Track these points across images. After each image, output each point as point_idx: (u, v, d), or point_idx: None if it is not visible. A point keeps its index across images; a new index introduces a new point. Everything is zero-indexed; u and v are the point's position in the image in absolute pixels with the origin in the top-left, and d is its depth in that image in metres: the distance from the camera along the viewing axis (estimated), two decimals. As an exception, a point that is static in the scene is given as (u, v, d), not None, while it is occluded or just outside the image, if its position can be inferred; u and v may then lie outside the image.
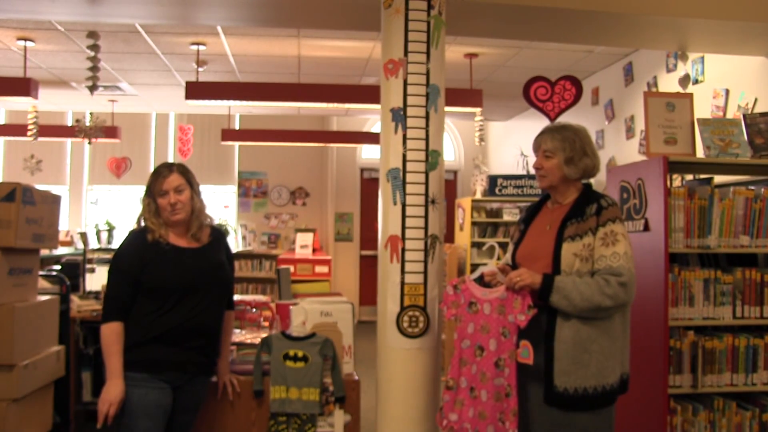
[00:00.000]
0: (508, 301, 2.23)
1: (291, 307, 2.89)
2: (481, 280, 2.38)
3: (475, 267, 5.97)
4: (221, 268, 2.52)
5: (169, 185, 2.40)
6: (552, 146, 2.32)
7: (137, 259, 2.35)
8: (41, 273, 3.53)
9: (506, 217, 7.23)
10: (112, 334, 2.30)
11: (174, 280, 2.36)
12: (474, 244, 7.12)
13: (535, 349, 2.20)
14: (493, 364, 2.24)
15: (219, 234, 2.61)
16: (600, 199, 2.25)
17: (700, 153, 3.20)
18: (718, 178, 3.64)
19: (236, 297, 3.01)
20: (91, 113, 8.22)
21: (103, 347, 2.32)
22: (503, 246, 2.73)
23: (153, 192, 2.43)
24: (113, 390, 2.26)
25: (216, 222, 2.67)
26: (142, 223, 2.46)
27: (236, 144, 9.20)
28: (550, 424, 2.19)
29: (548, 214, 2.40)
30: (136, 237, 2.43)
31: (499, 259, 2.56)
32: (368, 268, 9.35)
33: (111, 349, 2.29)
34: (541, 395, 2.20)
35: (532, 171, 2.47)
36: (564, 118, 4.72)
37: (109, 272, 2.39)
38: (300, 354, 2.63)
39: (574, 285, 2.14)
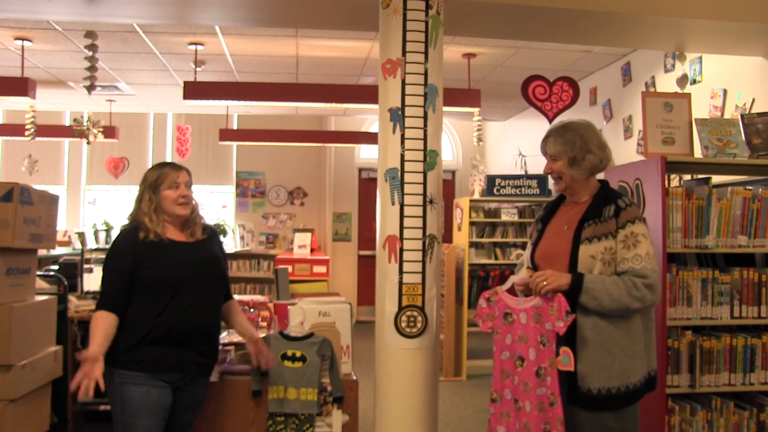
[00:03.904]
0: (544, 308, 2.17)
1: (289, 307, 2.89)
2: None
3: (473, 267, 6.00)
4: (217, 261, 2.54)
5: (181, 179, 2.47)
6: (555, 150, 2.32)
7: (130, 258, 2.36)
8: (39, 273, 3.53)
9: (504, 217, 7.22)
10: (97, 319, 2.32)
11: (171, 271, 2.37)
12: (472, 244, 7.12)
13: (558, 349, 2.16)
14: (534, 373, 2.17)
15: (212, 231, 2.64)
16: (617, 200, 2.23)
17: (697, 153, 3.20)
18: (716, 178, 3.64)
19: (234, 297, 3.00)
20: (88, 113, 8.21)
21: (90, 331, 2.34)
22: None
23: (158, 185, 2.44)
24: (87, 367, 2.18)
25: (214, 222, 2.69)
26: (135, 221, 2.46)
27: (234, 144, 9.19)
28: (575, 423, 2.18)
29: (565, 213, 2.38)
30: (128, 234, 2.44)
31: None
32: (366, 268, 9.34)
33: (92, 335, 2.30)
34: (566, 395, 2.18)
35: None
36: (563, 118, 4.72)
37: (103, 267, 2.43)
38: (298, 354, 2.63)
39: (603, 285, 2.11)
